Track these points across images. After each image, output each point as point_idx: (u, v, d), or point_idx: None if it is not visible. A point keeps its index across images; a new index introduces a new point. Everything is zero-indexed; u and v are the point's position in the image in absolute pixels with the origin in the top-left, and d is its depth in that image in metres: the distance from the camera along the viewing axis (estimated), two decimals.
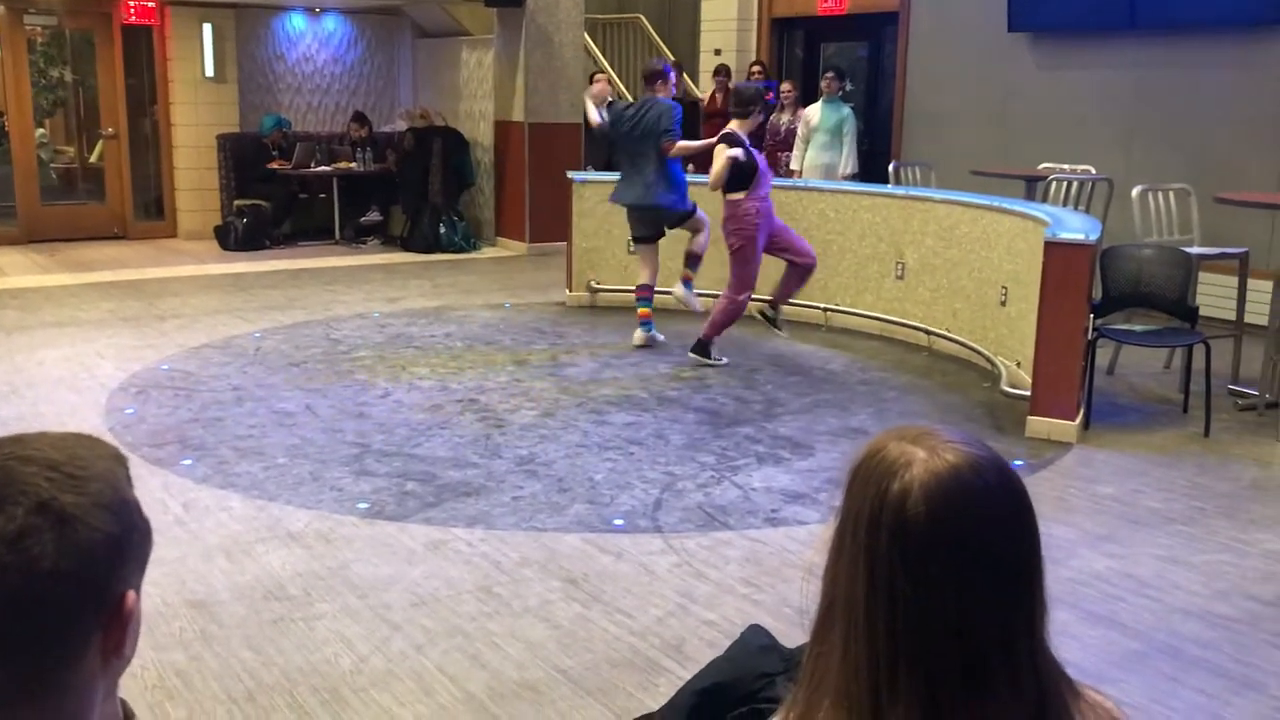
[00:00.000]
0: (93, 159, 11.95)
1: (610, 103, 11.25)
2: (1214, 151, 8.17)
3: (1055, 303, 5.46)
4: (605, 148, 9.24)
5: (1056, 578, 3.84)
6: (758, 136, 10.55)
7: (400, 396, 6.04)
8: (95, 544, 0.88)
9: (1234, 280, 6.58)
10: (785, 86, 10.31)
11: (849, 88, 10.71)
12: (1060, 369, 5.47)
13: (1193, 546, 4.28)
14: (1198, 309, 5.89)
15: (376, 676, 3.23)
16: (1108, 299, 5.96)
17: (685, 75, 11.30)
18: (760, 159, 6.79)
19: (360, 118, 11.86)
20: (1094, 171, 7.95)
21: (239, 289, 9.09)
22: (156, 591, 3.64)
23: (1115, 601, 3.79)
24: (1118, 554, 4.19)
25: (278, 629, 3.49)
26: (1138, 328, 6.14)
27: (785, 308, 8.17)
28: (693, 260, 7.39)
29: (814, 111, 9.77)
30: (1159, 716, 3.12)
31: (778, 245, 6.82)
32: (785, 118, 10.07)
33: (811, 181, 8.79)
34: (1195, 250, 6.42)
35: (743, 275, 6.74)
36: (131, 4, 11.27)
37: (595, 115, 7.42)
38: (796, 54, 12.30)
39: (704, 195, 7.28)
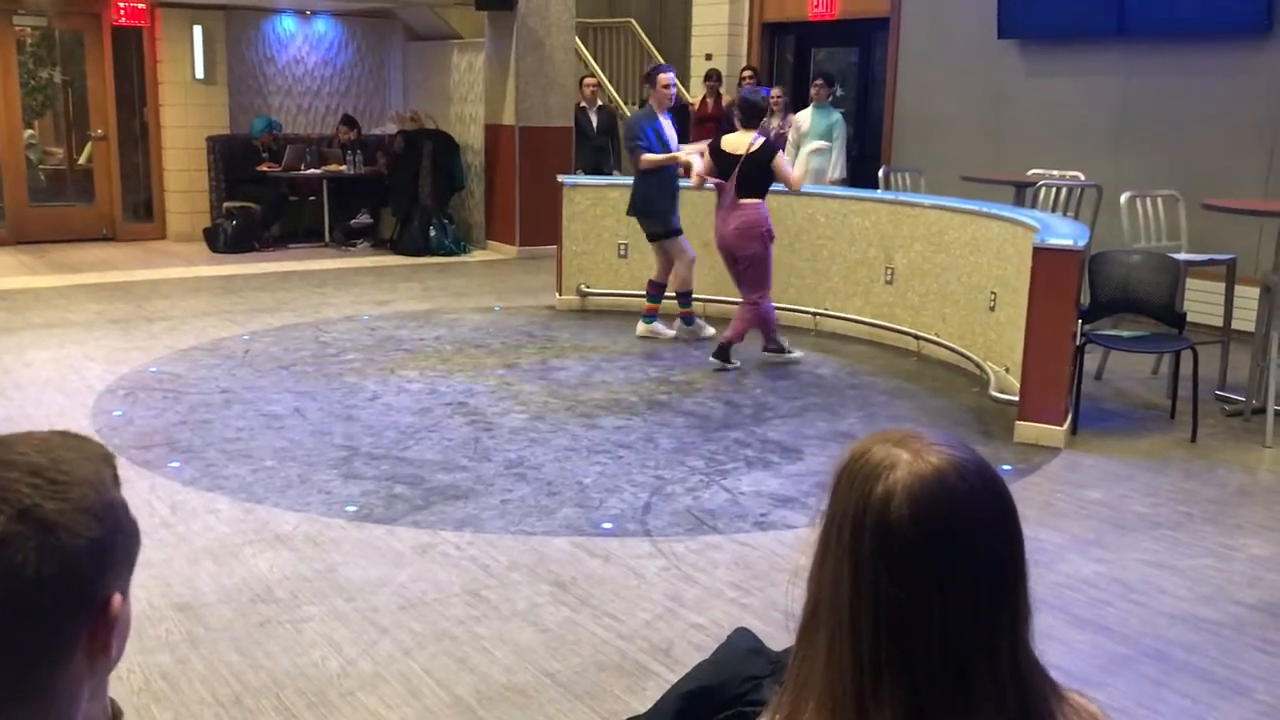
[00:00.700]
0: (82, 160, 11.91)
1: (600, 106, 11.29)
2: (1202, 158, 8.21)
3: (1044, 308, 5.48)
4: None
5: (1043, 582, 3.85)
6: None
7: (389, 399, 6.04)
8: (79, 550, 0.87)
9: (1221, 286, 6.61)
10: (775, 92, 10.33)
11: (839, 93, 10.74)
12: (1048, 374, 5.49)
13: (1179, 551, 4.30)
14: (1185, 315, 5.92)
15: (364, 679, 3.22)
16: (1096, 305, 5.98)
17: (677, 80, 11.30)
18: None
19: (349, 121, 11.84)
20: (1083, 178, 7.98)
21: (228, 291, 9.07)
22: (143, 594, 3.63)
23: (1102, 606, 3.81)
24: (1105, 559, 4.20)
25: (265, 632, 3.48)
26: (1125, 333, 6.17)
27: (777, 313, 8.18)
28: (654, 289, 7.60)
29: (804, 117, 9.79)
30: None
31: None
32: (775, 123, 10.09)
33: (802, 187, 8.78)
34: (1183, 256, 6.45)
35: (759, 277, 6.78)
36: (122, 5, 11.24)
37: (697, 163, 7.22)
38: (787, 59, 12.33)
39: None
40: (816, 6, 11.29)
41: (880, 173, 9.41)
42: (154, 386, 6.20)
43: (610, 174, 10.69)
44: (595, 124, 11.27)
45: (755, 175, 6.68)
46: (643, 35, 13.11)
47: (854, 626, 1.03)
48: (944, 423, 5.82)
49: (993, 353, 6.51)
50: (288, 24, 12.18)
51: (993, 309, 6.53)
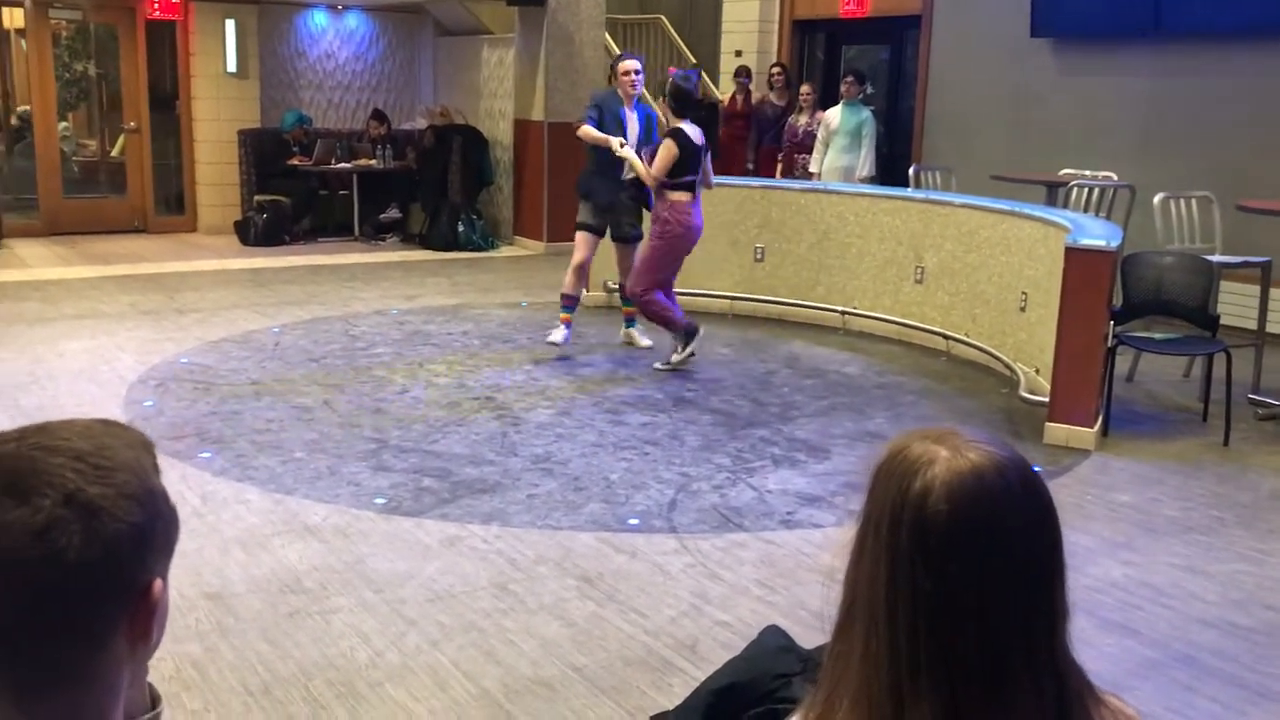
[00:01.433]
0: (114, 153, 12.01)
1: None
2: (1237, 159, 8.12)
3: (1075, 309, 5.44)
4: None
5: (1073, 585, 3.77)
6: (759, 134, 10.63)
7: (418, 393, 6.06)
8: (121, 535, 0.88)
9: (1256, 289, 6.54)
10: (804, 89, 10.30)
11: (869, 91, 10.69)
12: (1079, 376, 5.45)
13: (1211, 556, 4.26)
14: (1219, 317, 5.86)
15: (392, 671, 3.24)
16: (1128, 306, 5.93)
17: (706, 77, 11.30)
18: (706, 160, 6.61)
19: (379, 115, 11.89)
20: (1115, 178, 7.92)
21: (258, 284, 9.13)
22: (173, 583, 3.61)
23: (1132, 610, 3.78)
24: (1135, 562, 4.17)
25: (294, 622, 3.50)
26: (1158, 335, 6.11)
27: (803, 311, 8.18)
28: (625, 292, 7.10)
29: (834, 114, 9.75)
30: None
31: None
32: (804, 120, 10.06)
33: (831, 185, 8.77)
34: (1217, 258, 6.38)
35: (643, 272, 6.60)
36: None
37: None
38: (817, 56, 12.28)
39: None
40: (848, 4, 11.24)
41: (910, 171, 9.36)
42: (185, 377, 6.25)
43: None
44: None
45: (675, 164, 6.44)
46: (672, 32, 13.10)
47: (891, 623, 1.03)
48: (973, 423, 5.79)
49: (1023, 353, 6.47)
50: (319, 19, 12.24)
51: (1023, 309, 6.48)
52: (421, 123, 12.05)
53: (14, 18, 11.44)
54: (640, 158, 6.65)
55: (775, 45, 12.01)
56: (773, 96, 10.74)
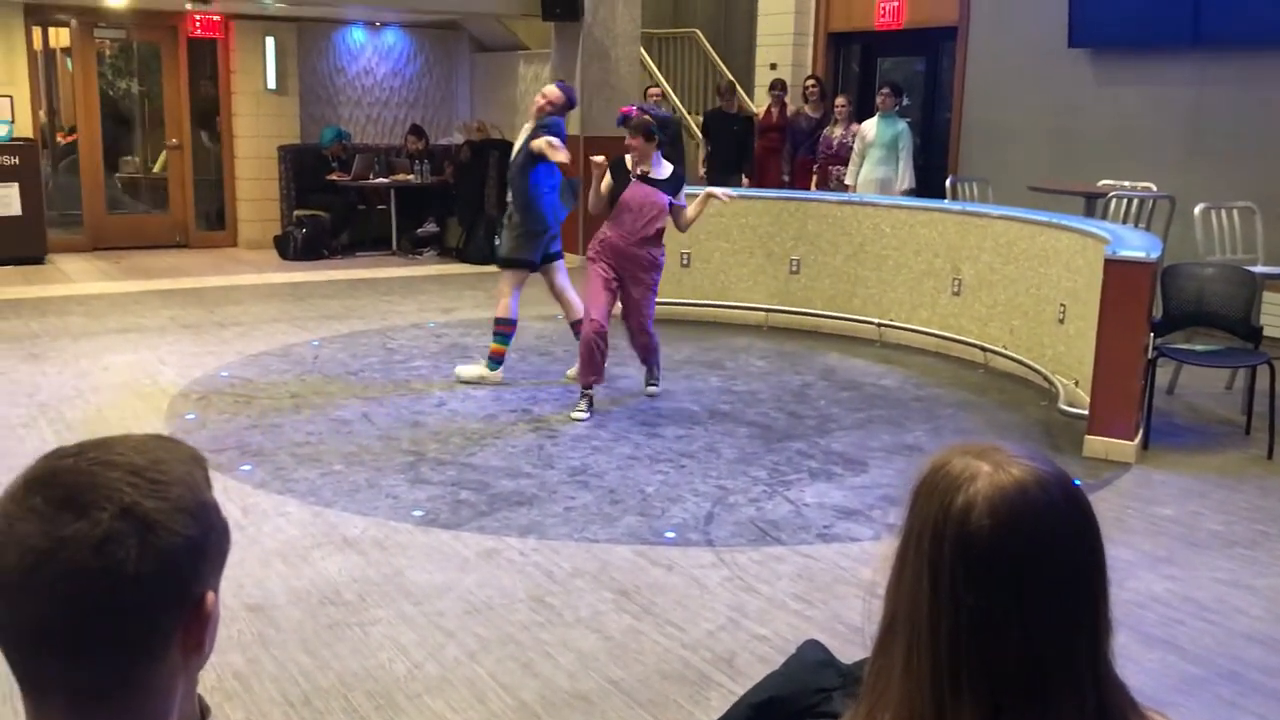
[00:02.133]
0: (156, 169, 12.19)
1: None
2: (1279, 170, 8.03)
3: (1115, 321, 5.39)
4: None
5: (1114, 599, 3.76)
6: (809, 148, 10.58)
7: (455, 406, 6.10)
8: (176, 548, 0.90)
9: None
10: (840, 101, 10.28)
11: (905, 102, 10.66)
12: (1119, 388, 5.40)
13: (1255, 570, 4.20)
14: (1261, 329, 5.80)
15: (430, 683, 3.26)
16: (1168, 318, 5.87)
17: (740, 90, 11.30)
18: (638, 193, 6.01)
19: (417, 130, 11.99)
20: (1155, 189, 7.85)
21: (297, 298, 9.22)
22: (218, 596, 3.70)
23: (1174, 625, 3.74)
24: (1177, 576, 4.13)
25: (334, 634, 3.53)
26: (1199, 347, 6.05)
27: (839, 323, 8.16)
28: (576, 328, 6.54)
29: (869, 126, 9.73)
30: None
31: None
32: (839, 131, 10.04)
33: (867, 196, 8.75)
34: (1259, 269, 6.31)
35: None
36: (197, 18, 11.49)
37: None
38: (853, 68, 12.26)
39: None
40: (883, 16, 11.23)
41: (947, 182, 9.32)
42: (226, 391, 6.32)
43: None
44: None
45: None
46: (707, 46, 13.13)
47: (933, 637, 1.03)
48: (1012, 436, 5.75)
49: (1062, 366, 6.42)
50: (358, 36, 12.37)
51: (1062, 321, 6.44)
52: (458, 138, 12.14)
53: (60, 37, 11.64)
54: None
55: (810, 58, 12.01)
56: (807, 109, 10.73)
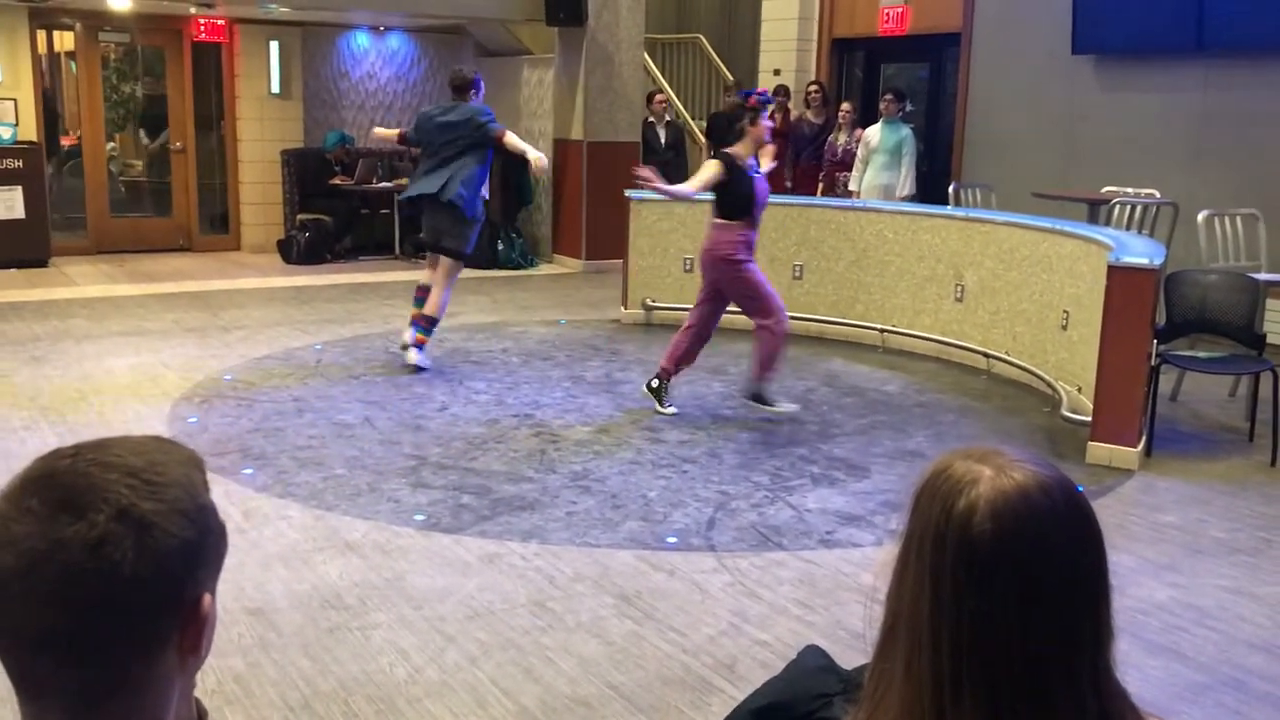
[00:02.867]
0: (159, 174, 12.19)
1: (669, 122, 11.27)
2: None
3: (1118, 328, 5.39)
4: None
5: (1117, 606, 3.75)
6: (815, 154, 10.58)
7: (457, 410, 6.09)
8: (173, 550, 0.90)
9: None
10: (844, 107, 10.28)
11: (909, 109, 10.66)
12: (1122, 395, 5.39)
13: (1258, 578, 4.19)
14: (1265, 336, 5.79)
15: (431, 687, 3.25)
16: (1172, 325, 5.87)
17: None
18: (761, 189, 5.94)
19: None
20: (1159, 195, 7.84)
21: (300, 302, 9.22)
22: (217, 598, 3.69)
23: (1177, 632, 3.72)
24: (1180, 584, 4.11)
25: (334, 638, 3.53)
26: (1202, 354, 6.04)
27: (842, 329, 8.14)
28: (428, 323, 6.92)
29: (873, 132, 9.73)
30: None
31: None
32: (843, 138, 10.05)
33: (870, 202, 8.75)
34: (1263, 276, 6.30)
35: (750, 302, 5.98)
36: (202, 22, 11.52)
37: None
38: (856, 74, 12.27)
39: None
40: (886, 22, 11.23)
41: (950, 189, 9.32)
42: (228, 394, 6.32)
43: None
44: (664, 139, 11.32)
45: (719, 194, 5.88)
46: (711, 51, 13.14)
47: (934, 642, 1.02)
48: (1015, 443, 5.73)
49: (1065, 372, 6.41)
50: (362, 40, 12.39)
51: (1065, 328, 6.43)
52: None
53: (64, 40, 11.67)
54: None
55: (814, 64, 12.01)
56: (810, 115, 10.74)
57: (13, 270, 10.11)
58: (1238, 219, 6.91)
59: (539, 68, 11.85)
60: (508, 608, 3.77)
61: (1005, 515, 1.02)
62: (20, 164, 10.29)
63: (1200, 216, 6.77)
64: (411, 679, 3.30)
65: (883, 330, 7.92)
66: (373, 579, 3.96)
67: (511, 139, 7.04)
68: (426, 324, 6.98)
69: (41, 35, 11.28)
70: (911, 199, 9.52)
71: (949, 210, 8.12)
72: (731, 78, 12.34)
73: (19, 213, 10.31)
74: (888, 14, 11.21)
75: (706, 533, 4.47)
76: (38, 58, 11.12)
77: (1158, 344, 5.74)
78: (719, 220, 5.94)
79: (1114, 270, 5.41)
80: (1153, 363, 5.59)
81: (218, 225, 12.18)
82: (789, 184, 10.63)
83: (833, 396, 6.63)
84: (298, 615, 3.67)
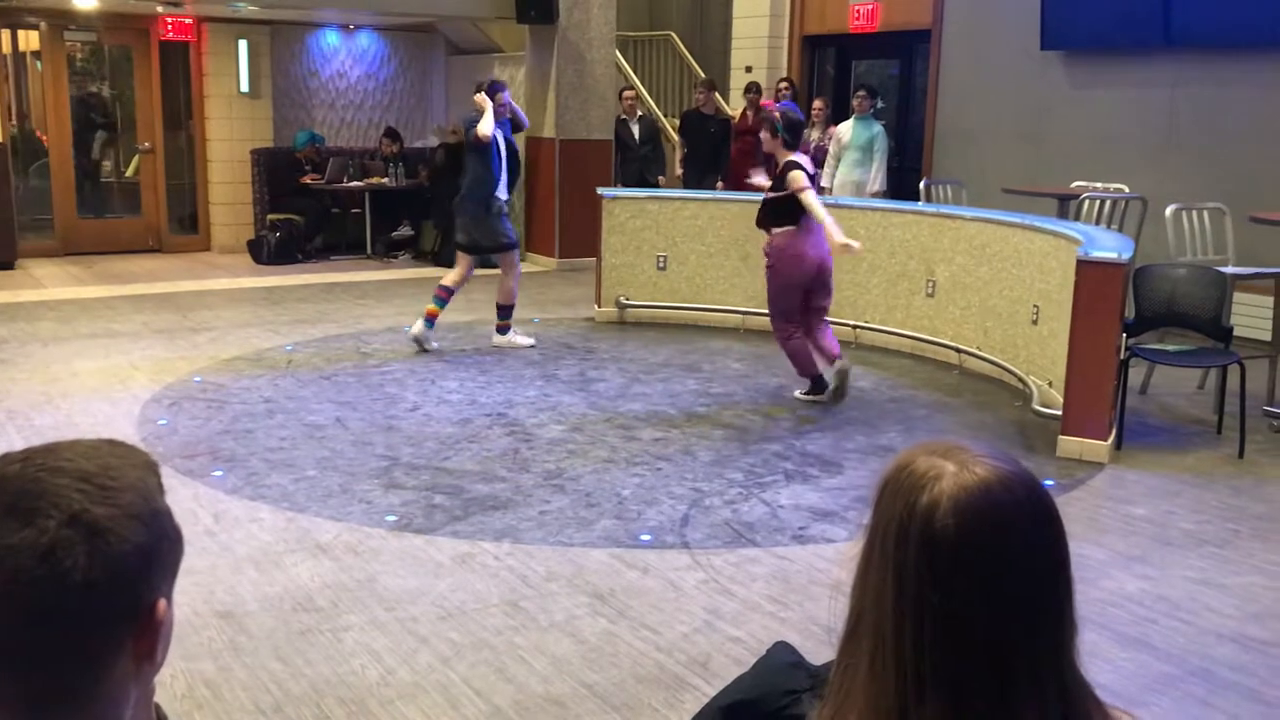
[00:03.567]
0: (129, 173, 12.10)
1: (640, 117, 11.27)
2: (1249, 170, 8.10)
3: (1087, 322, 5.42)
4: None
5: (1087, 599, 3.80)
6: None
7: (429, 410, 6.07)
8: (127, 555, 0.88)
9: (1269, 300, 6.52)
10: (817, 104, 10.31)
11: (880, 105, 10.70)
12: (1092, 389, 5.43)
13: (1226, 569, 4.23)
14: (1232, 329, 5.84)
15: (403, 689, 3.23)
16: (1141, 318, 5.91)
17: (717, 93, 11.32)
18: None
19: (392, 134, 11.95)
20: (1127, 190, 7.90)
21: (271, 302, 9.16)
22: (186, 601, 3.67)
23: (1147, 624, 3.75)
24: (1150, 575, 4.15)
25: (306, 640, 3.51)
26: (1171, 348, 6.09)
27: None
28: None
29: (845, 129, 9.76)
30: None
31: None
32: (815, 135, 10.07)
33: (842, 199, 8.77)
34: (1230, 270, 6.36)
35: (774, 307, 6.40)
36: (169, 20, 11.42)
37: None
38: (828, 71, 12.30)
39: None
40: (857, 19, 11.27)
41: (921, 185, 9.35)
42: (198, 396, 6.27)
43: (655, 184, 10.71)
44: (637, 135, 11.31)
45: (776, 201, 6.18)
46: (683, 48, 13.14)
47: (897, 637, 1.02)
48: (986, 437, 5.77)
49: (1035, 367, 6.45)
50: (331, 38, 12.32)
51: (1035, 322, 6.47)
52: (433, 141, 12.10)
53: (29, 40, 11.54)
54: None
55: (785, 60, 12.04)
56: None
57: None
58: (1205, 213, 6.96)
59: (510, 66, 11.82)
60: (480, 608, 3.75)
61: (968, 511, 1.02)
62: None
63: (1168, 211, 6.83)
64: (384, 680, 3.28)
65: (855, 326, 7.94)
66: (344, 581, 3.94)
67: (480, 129, 7.31)
68: (446, 297, 7.55)
69: (5, 35, 11.16)
70: (883, 195, 9.56)
71: (920, 206, 8.16)
72: (704, 75, 12.34)
73: None
74: (858, 11, 11.24)
75: (680, 530, 4.47)
76: (2, 58, 11.00)
77: (1127, 338, 5.78)
78: (793, 228, 6.19)
79: (1083, 265, 5.45)
80: (1122, 356, 5.63)
81: (187, 226, 12.09)
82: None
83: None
84: (269, 618, 3.65)
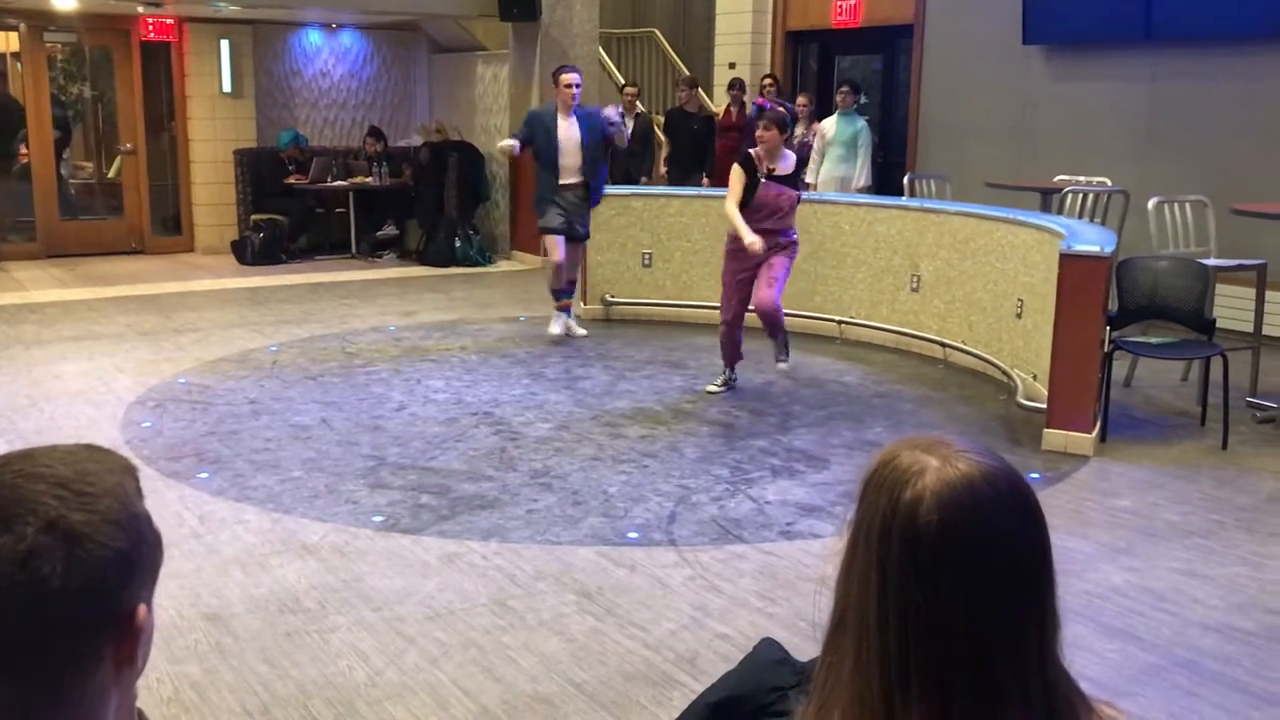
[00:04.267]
0: (111, 174, 12.03)
1: (637, 115, 11.21)
2: (1231, 163, 8.14)
3: (1071, 315, 5.44)
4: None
5: (1073, 591, 3.81)
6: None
7: (415, 409, 6.06)
8: (105, 561, 0.87)
9: (1251, 292, 6.55)
10: (800, 100, 10.31)
11: (864, 100, 10.71)
12: (1077, 381, 5.45)
13: (1211, 560, 4.25)
14: (1215, 321, 5.87)
15: (391, 689, 3.23)
16: (1124, 311, 5.93)
17: (700, 90, 11.32)
18: (769, 193, 6.18)
19: (376, 133, 11.91)
20: (1110, 183, 7.93)
21: (255, 303, 9.13)
22: (172, 604, 3.65)
23: (1133, 615, 3.77)
24: (1135, 567, 4.16)
25: (292, 642, 3.49)
26: (1154, 340, 6.11)
27: (800, 321, 8.14)
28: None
29: (829, 125, 9.77)
30: None
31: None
32: (800, 131, 10.07)
33: (826, 194, 8.78)
34: (1212, 262, 6.39)
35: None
36: (150, 21, 11.36)
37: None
38: (811, 67, 12.31)
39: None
40: (840, 14, 11.28)
41: (905, 180, 9.37)
42: (182, 398, 6.24)
43: (639, 182, 10.69)
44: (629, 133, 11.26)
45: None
46: (666, 45, 13.14)
47: (881, 632, 1.03)
48: (971, 431, 5.78)
49: (1020, 360, 6.47)
50: (314, 38, 12.27)
51: (1020, 316, 6.49)
52: (417, 139, 12.07)
53: (9, 41, 11.47)
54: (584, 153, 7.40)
55: (768, 56, 12.04)
56: None
57: None
58: (1187, 206, 6.99)
59: (493, 64, 11.80)
60: (468, 607, 3.75)
61: (951, 506, 1.02)
62: None
63: (1150, 204, 6.85)
64: (371, 681, 3.27)
65: (840, 321, 7.95)
66: (331, 581, 3.93)
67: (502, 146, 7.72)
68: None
69: None
70: (867, 190, 9.57)
71: (904, 201, 8.17)
72: (687, 72, 12.34)
73: None
74: (841, 6, 11.25)
75: (667, 527, 4.47)
76: None
77: (1111, 330, 5.81)
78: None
79: (1066, 258, 5.47)
80: (1106, 349, 5.66)
81: (170, 227, 12.03)
82: None
83: (792, 388, 6.65)
84: (255, 620, 3.64)
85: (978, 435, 5.67)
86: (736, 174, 6.20)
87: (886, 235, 7.71)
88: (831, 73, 12.09)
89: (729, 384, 6.53)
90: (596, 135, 7.43)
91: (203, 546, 4.20)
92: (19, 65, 11.41)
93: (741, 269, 6.34)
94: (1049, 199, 7.96)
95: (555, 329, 7.69)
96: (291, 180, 11.49)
